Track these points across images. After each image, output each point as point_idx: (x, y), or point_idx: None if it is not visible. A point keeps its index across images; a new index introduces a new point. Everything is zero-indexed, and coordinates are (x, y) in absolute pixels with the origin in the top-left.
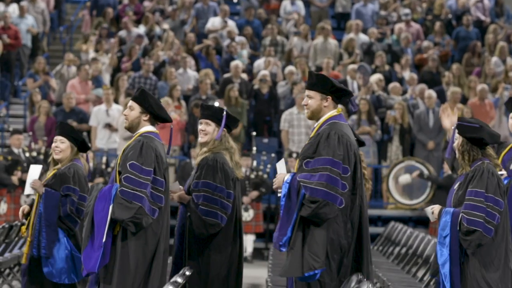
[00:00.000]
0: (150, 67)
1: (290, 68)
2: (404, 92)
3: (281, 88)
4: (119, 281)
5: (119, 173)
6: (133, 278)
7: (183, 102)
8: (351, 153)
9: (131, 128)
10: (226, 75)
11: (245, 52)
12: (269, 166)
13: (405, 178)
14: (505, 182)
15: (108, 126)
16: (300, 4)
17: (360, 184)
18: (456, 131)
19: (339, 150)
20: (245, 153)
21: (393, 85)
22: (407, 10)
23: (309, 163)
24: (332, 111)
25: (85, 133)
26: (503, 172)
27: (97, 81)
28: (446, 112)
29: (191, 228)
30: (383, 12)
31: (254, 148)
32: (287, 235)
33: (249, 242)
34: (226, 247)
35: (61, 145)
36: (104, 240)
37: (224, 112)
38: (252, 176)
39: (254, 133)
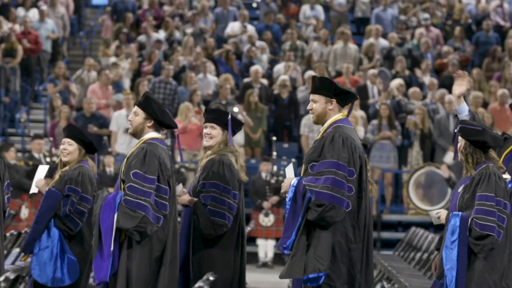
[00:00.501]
0: (170, 72)
1: (310, 73)
2: (424, 97)
3: (301, 93)
4: None
5: (123, 181)
6: (137, 285)
7: (203, 107)
8: (356, 155)
9: (136, 134)
10: (246, 80)
11: (265, 57)
12: None
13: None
14: (510, 186)
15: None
16: (319, 9)
17: (366, 187)
18: (459, 134)
19: (344, 152)
20: (266, 158)
21: (413, 90)
22: (426, 15)
23: (314, 167)
24: (337, 115)
25: (105, 138)
26: (507, 176)
27: (117, 86)
28: (460, 79)
29: (197, 229)
30: (402, 17)
31: (274, 153)
32: (292, 238)
33: (269, 247)
34: (230, 248)
35: (69, 147)
36: (112, 249)
37: (229, 116)
38: (272, 181)
39: (274, 138)
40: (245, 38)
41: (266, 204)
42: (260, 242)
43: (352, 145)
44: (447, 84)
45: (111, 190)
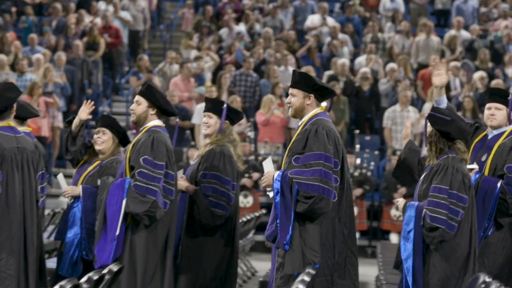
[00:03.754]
0: (251, 65)
1: (392, 65)
2: (507, 89)
3: (383, 85)
4: (130, 273)
5: (132, 168)
6: (143, 270)
7: (285, 99)
8: (340, 147)
9: (138, 122)
10: (330, 73)
11: (346, 50)
12: (372, 163)
13: None
14: (476, 176)
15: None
16: (399, 1)
17: (348, 178)
18: (427, 120)
19: (329, 144)
20: (349, 151)
21: (496, 82)
22: (506, 6)
23: (299, 159)
24: (315, 109)
25: (188, 131)
26: (475, 166)
27: (199, 79)
28: (437, 69)
29: (193, 216)
30: (483, 9)
31: (358, 146)
32: (290, 233)
33: None
34: (222, 236)
35: (103, 136)
36: (117, 233)
37: (224, 105)
38: (356, 174)
39: (357, 131)
40: (325, 31)
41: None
42: None
43: (335, 137)
44: None
45: None
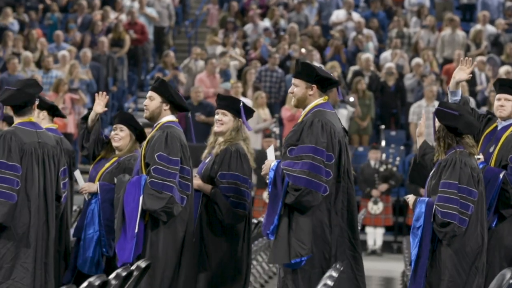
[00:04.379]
0: (276, 61)
1: (417, 60)
2: None
3: (408, 80)
4: (150, 269)
5: (147, 165)
6: (163, 266)
7: None
8: (335, 140)
9: (152, 118)
10: (355, 68)
11: (371, 45)
12: (398, 159)
13: None
14: (480, 166)
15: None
16: None
17: (346, 172)
18: (435, 115)
19: (323, 137)
20: (374, 146)
21: (505, 69)
22: None
23: (293, 151)
24: (318, 100)
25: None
26: (480, 156)
27: (225, 75)
28: (462, 64)
29: (209, 216)
30: (508, 3)
31: (383, 141)
32: (274, 223)
33: (378, 235)
34: (241, 234)
35: (121, 133)
36: (136, 230)
37: (241, 103)
38: (381, 169)
39: (383, 126)
40: (350, 26)
41: (375, 192)
42: (368, 230)
43: (331, 130)
44: None
45: None
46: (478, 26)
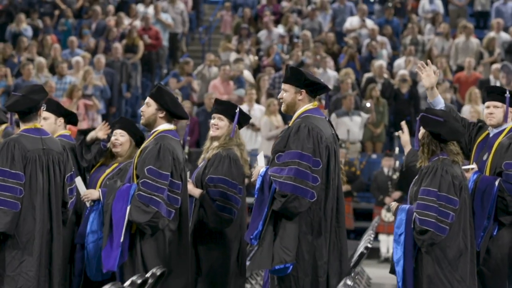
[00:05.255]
0: None
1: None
2: None
3: (422, 88)
4: None
5: (138, 176)
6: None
7: (323, 102)
8: (322, 145)
9: (148, 124)
10: (368, 75)
11: (385, 52)
12: None
13: None
14: (475, 176)
15: (251, 126)
16: (438, 3)
17: (335, 177)
18: (419, 122)
19: (309, 143)
20: (388, 153)
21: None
22: None
23: (280, 157)
24: (307, 105)
25: None
26: (473, 166)
27: (239, 81)
28: (425, 70)
29: (200, 220)
30: None
31: (397, 149)
32: (258, 229)
33: (391, 243)
34: (232, 240)
35: (121, 138)
36: (122, 239)
37: (237, 109)
38: (394, 176)
39: (396, 134)
40: (364, 33)
41: (388, 200)
42: (382, 237)
43: (318, 135)
44: None
45: None
46: (492, 34)
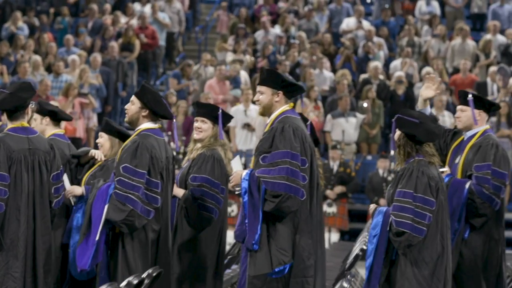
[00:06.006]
0: (286, 68)
1: (427, 69)
2: None
3: (418, 89)
4: (122, 280)
5: (115, 174)
6: (136, 270)
7: (320, 103)
8: (307, 145)
9: (131, 122)
10: (364, 76)
11: (382, 54)
12: None
13: None
14: (446, 179)
15: (247, 126)
16: (435, 5)
17: (316, 177)
18: (395, 123)
19: (296, 142)
20: (383, 155)
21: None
22: None
23: (266, 158)
24: (284, 106)
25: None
26: (446, 168)
27: (235, 82)
28: (429, 82)
29: (183, 220)
30: None
31: (392, 150)
32: (258, 232)
33: None
34: (213, 240)
35: (101, 140)
36: (97, 238)
37: (220, 111)
38: (390, 178)
39: (392, 135)
40: (361, 34)
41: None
42: None
43: (302, 135)
44: None
45: None
46: (488, 36)
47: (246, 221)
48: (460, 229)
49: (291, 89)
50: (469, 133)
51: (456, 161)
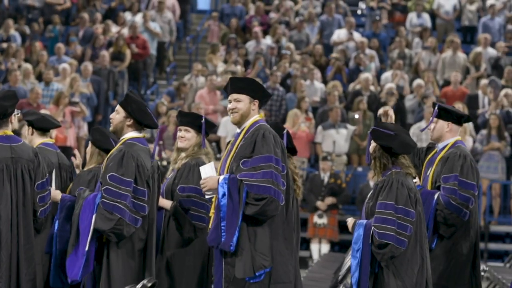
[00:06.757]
0: (277, 79)
1: (418, 81)
2: None
3: (409, 101)
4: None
5: (101, 183)
6: (121, 285)
7: (311, 114)
8: (285, 152)
9: (116, 131)
10: (355, 87)
11: (373, 65)
12: None
13: None
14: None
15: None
16: (426, 17)
17: (291, 185)
18: (370, 135)
19: (277, 148)
20: None
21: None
22: None
23: (247, 163)
24: (256, 116)
25: (213, 144)
26: (416, 180)
27: (226, 92)
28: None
29: (170, 231)
30: (510, 26)
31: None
32: (236, 235)
33: None
34: (201, 251)
35: (88, 149)
36: (87, 249)
37: (203, 119)
38: None
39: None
40: (351, 46)
41: None
42: None
43: (280, 142)
44: None
45: None
46: (479, 49)
47: (223, 223)
48: (428, 239)
49: (267, 99)
50: (440, 145)
51: (428, 173)
